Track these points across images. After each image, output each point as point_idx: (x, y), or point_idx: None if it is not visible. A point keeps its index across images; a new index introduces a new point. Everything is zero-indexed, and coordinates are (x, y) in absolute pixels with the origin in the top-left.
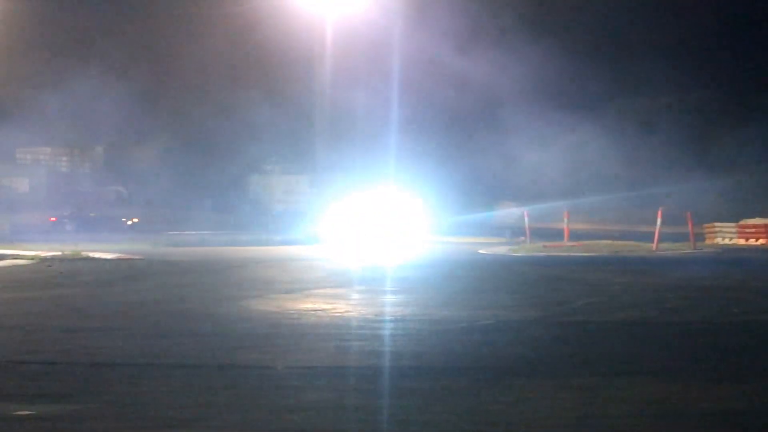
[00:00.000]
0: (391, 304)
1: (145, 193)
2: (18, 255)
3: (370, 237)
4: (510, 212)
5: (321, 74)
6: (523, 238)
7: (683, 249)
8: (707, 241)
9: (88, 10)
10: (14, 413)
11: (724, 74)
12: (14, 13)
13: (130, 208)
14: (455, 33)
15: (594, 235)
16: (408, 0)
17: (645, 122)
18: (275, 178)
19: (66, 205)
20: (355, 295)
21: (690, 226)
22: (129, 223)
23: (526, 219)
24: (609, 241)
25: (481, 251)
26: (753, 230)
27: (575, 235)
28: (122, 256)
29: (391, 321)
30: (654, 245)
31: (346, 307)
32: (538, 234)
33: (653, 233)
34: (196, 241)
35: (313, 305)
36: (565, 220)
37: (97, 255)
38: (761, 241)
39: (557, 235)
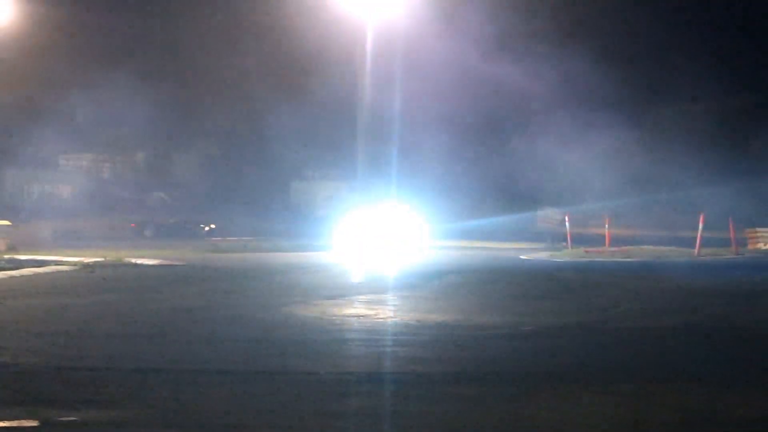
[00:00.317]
0: (432, 310)
1: (187, 199)
2: (60, 261)
3: (386, 244)
4: (550, 217)
5: (361, 79)
6: (564, 243)
7: (725, 254)
8: (749, 246)
9: (130, 17)
10: (59, 419)
11: (763, 78)
12: (57, 20)
13: (172, 213)
14: (491, 37)
15: (635, 241)
16: (446, 5)
17: (684, 127)
18: (316, 184)
19: (143, 211)
20: (397, 301)
21: (732, 231)
22: (206, 228)
23: (567, 224)
24: (650, 247)
25: (522, 257)
26: None
27: (616, 241)
28: (165, 261)
29: (432, 327)
30: (696, 250)
31: (388, 312)
32: (578, 239)
33: (695, 238)
34: (238, 247)
35: (355, 311)
36: (606, 225)
37: (139, 261)
38: None
39: (597, 240)
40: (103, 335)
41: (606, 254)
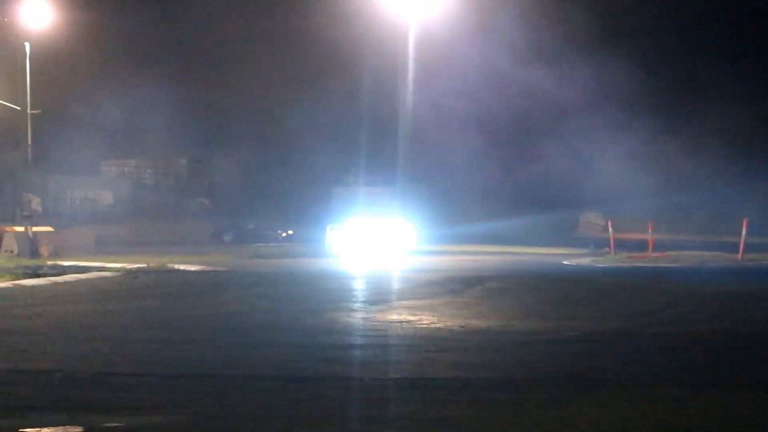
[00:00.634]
0: (475, 316)
1: (229, 205)
2: (104, 267)
3: (378, 249)
4: (592, 222)
5: (403, 85)
6: (606, 248)
7: None
8: None
9: (173, 24)
10: (103, 425)
11: None
12: (100, 27)
13: (214, 219)
14: (528, 40)
15: (677, 246)
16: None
17: (726, 130)
18: (357, 190)
19: (224, 217)
20: (440, 307)
21: None
22: (284, 234)
23: (610, 230)
24: (694, 252)
25: (565, 262)
26: None
27: (658, 246)
28: (207, 267)
29: (475, 332)
30: (739, 255)
31: (431, 318)
32: (621, 245)
33: (738, 243)
34: (279, 253)
35: (398, 316)
36: (650, 230)
37: (182, 267)
38: None
39: (639, 245)
40: (146, 341)
41: (649, 260)
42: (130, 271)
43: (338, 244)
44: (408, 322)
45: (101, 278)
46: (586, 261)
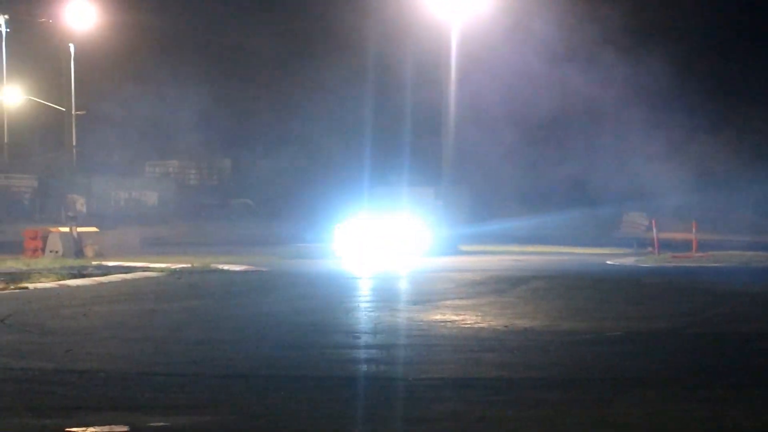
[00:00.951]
0: (519, 315)
1: (273, 206)
2: (148, 267)
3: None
4: (636, 222)
5: (446, 84)
6: (650, 248)
7: None
8: None
9: (217, 26)
10: (148, 424)
11: None
12: (143, 27)
13: (258, 221)
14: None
15: (721, 246)
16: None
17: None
18: (401, 190)
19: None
20: (484, 307)
21: None
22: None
23: (653, 229)
24: (738, 252)
25: (608, 262)
26: None
27: (701, 246)
28: (251, 268)
29: (519, 332)
30: None
31: (474, 318)
32: (663, 244)
33: None
34: (322, 254)
35: (442, 317)
36: (694, 230)
37: (225, 267)
38: None
39: (682, 245)
40: (191, 341)
41: (693, 260)
42: (174, 272)
43: (345, 243)
44: (452, 321)
45: (145, 278)
46: (629, 261)
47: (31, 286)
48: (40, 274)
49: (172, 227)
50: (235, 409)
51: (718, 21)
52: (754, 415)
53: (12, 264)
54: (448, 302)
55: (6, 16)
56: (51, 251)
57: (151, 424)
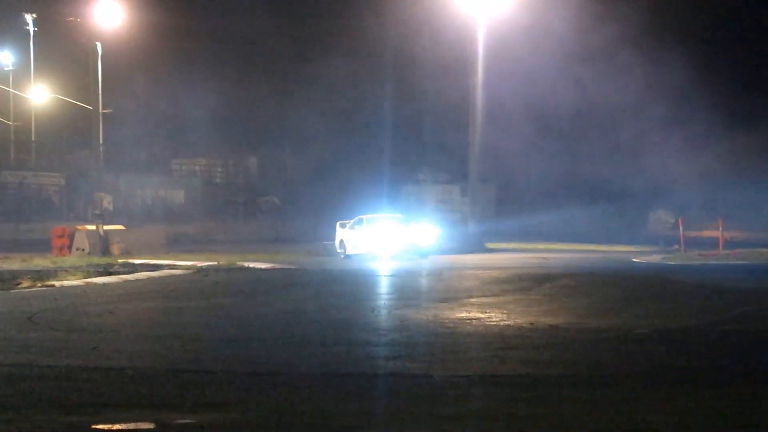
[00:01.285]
0: (544, 313)
1: (299, 204)
2: (174, 265)
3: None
4: (662, 220)
5: (473, 82)
6: (677, 246)
7: None
8: None
9: (242, 24)
10: (175, 422)
11: None
12: (170, 26)
13: (284, 219)
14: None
15: (747, 243)
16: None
17: None
18: (428, 188)
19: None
20: (510, 304)
21: None
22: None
23: (680, 227)
24: (765, 250)
25: (635, 260)
26: None
27: (728, 243)
28: (277, 265)
29: (545, 329)
30: None
31: (500, 315)
32: (690, 242)
33: None
34: None
35: (468, 314)
36: (720, 228)
37: (252, 265)
38: None
39: (709, 243)
40: (217, 339)
41: (720, 257)
42: (200, 269)
43: (349, 242)
44: (477, 319)
45: (172, 276)
46: (656, 258)
47: (57, 283)
48: (67, 272)
49: (199, 225)
50: (262, 407)
51: (748, 17)
52: None
53: (39, 262)
54: (474, 300)
55: (34, 15)
56: (78, 249)
57: (178, 422)
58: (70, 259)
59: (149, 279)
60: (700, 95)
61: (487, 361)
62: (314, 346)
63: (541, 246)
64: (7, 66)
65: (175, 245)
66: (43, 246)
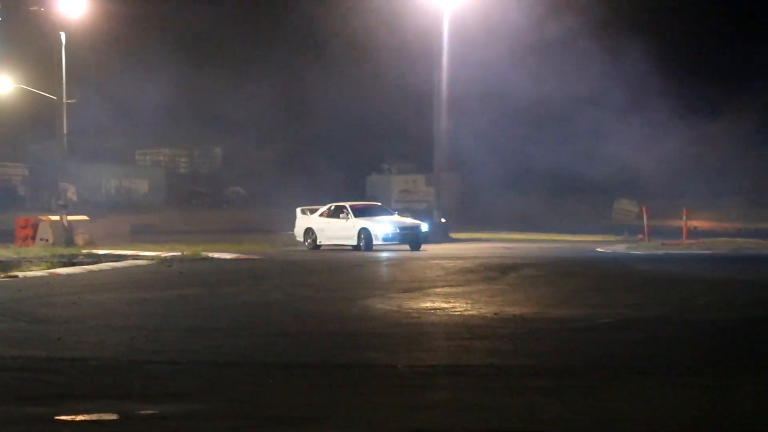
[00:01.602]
0: (509, 303)
1: (264, 194)
2: (138, 255)
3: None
4: (626, 209)
5: (438, 71)
6: (641, 235)
7: None
8: None
9: (207, 14)
10: (138, 413)
11: None
12: (134, 16)
13: (249, 209)
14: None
15: (713, 233)
16: None
17: (765, 119)
18: (393, 178)
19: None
20: (474, 294)
21: None
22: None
23: (645, 217)
24: (728, 239)
25: (599, 249)
26: None
27: (693, 233)
28: (241, 256)
29: (510, 319)
30: None
31: (465, 305)
32: (655, 232)
33: None
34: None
35: (432, 304)
36: (684, 217)
37: (216, 255)
38: None
39: (674, 232)
40: (181, 329)
41: (683, 247)
42: (164, 260)
43: (322, 232)
44: (442, 309)
45: (136, 267)
46: (620, 248)
47: (21, 274)
48: (31, 262)
49: (163, 215)
50: (227, 397)
51: (714, 6)
52: (746, 401)
53: (2, 252)
54: (439, 290)
55: None
56: (42, 240)
57: (142, 413)
58: (34, 250)
59: (113, 269)
60: (664, 84)
61: (451, 351)
62: (278, 337)
63: (506, 235)
64: None
65: (139, 236)
66: (6, 237)
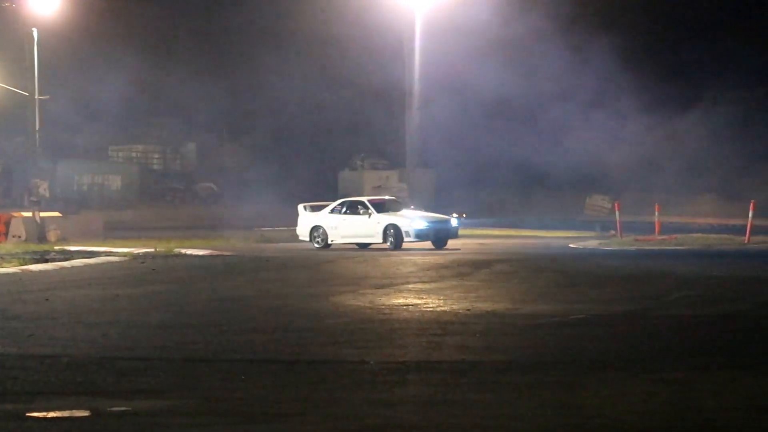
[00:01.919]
0: (481, 299)
1: (237, 190)
2: (111, 252)
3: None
4: (598, 205)
5: (410, 67)
6: (613, 231)
7: None
8: None
9: (180, 10)
10: (110, 409)
11: None
12: (107, 11)
13: (222, 205)
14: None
15: (685, 229)
16: None
17: (736, 114)
18: (365, 174)
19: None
20: (447, 290)
21: None
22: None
23: (617, 212)
24: (701, 235)
25: (571, 245)
26: None
27: (666, 229)
28: (214, 252)
29: (482, 315)
30: (746, 238)
31: (437, 301)
32: (628, 227)
33: (745, 226)
34: (287, 237)
35: (404, 300)
36: (657, 213)
37: (189, 251)
38: None
39: (647, 228)
40: (154, 326)
41: (656, 243)
42: (137, 256)
43: (335, 229)
44: (414, 305)
45: (108, 263)
46: (592, 244)
47: None
48: (2, 259)
49: (136, 212)
50: (198, 394)
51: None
52: (717, 396)
53: None
54: (411, 286)
55: None
56: (14, 236)
57: (113, 409)
58: (6, 246)
59: (86, 266)
60: (634, 78)
61: (423, 347)
62: (250, 333)
63: (479, 231)
64: None
65: (112, 232)
66: None
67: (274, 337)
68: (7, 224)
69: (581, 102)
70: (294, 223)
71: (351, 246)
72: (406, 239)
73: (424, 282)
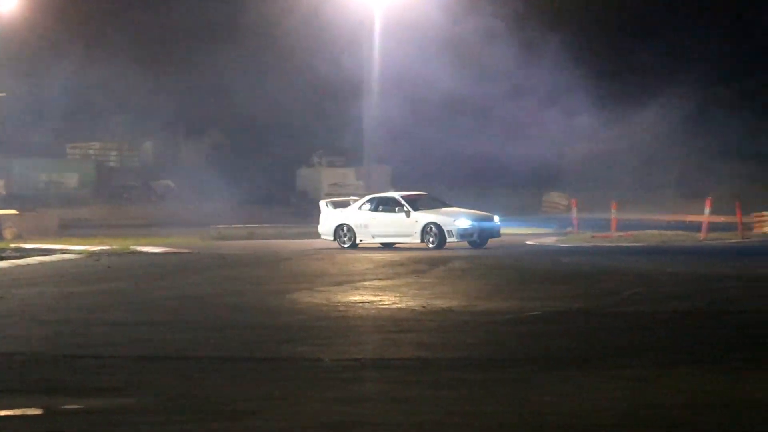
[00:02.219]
0: (437, 296)
1: (194, 187)
2: (66, 249)
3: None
4: (555, 201)
5: (368, 65)
6: (570, 228)
7: (731, 238)
8: (756, 230)
9: (139, 6)
10: (63, 407)
11: None
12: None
13: (179, 202)
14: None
15: (642, 225)
16: None
17: (692, 111)
18: (322, 171)
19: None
20: (402, 287)
21: (738, 215)
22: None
23: (574, 209)
24: (657, 231)
25: (528, 242)
26: None
27: (623, 225)
28: (171, 249)
29: (437, 312)
30: (702, 235)
31: (393, 298)
32: (585, 224)
33: (701, 223)
34: (243, 235)
35: (360, 297)
36: (613, 210)
37: (145, 249)
38: None
39: (604, 225)
40: (109, 323)
41: (613, 239)
42: (93, 254)
43: (368, 228)
44: (369, 302)
45: (64, 261)
46: (549, 241)
47: None
48: None
49: (93, 209)
50: (154, 391)
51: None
52: (674, 393)
53: None
54: (367, 283)
55: None
56: None
57: (67, 407)
58: None
59: (41, 264)
60: (590, 75)
61: (378, 344)
62: (206, 330)
63: None
64: None
65: (69, 230)
66: None
67: (230, 334)
68: None
69: (537, 99)
70: (250, 220)
71: (376, 245)
72: (449, 239)
73: (380, 279)
